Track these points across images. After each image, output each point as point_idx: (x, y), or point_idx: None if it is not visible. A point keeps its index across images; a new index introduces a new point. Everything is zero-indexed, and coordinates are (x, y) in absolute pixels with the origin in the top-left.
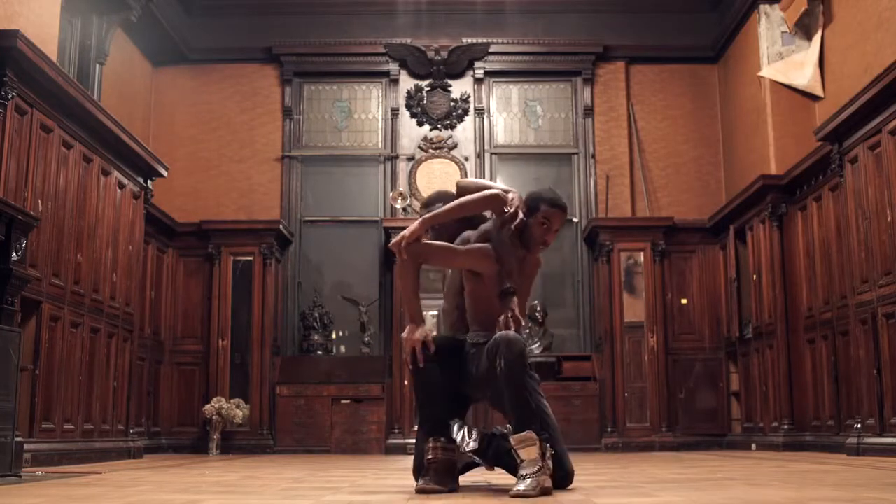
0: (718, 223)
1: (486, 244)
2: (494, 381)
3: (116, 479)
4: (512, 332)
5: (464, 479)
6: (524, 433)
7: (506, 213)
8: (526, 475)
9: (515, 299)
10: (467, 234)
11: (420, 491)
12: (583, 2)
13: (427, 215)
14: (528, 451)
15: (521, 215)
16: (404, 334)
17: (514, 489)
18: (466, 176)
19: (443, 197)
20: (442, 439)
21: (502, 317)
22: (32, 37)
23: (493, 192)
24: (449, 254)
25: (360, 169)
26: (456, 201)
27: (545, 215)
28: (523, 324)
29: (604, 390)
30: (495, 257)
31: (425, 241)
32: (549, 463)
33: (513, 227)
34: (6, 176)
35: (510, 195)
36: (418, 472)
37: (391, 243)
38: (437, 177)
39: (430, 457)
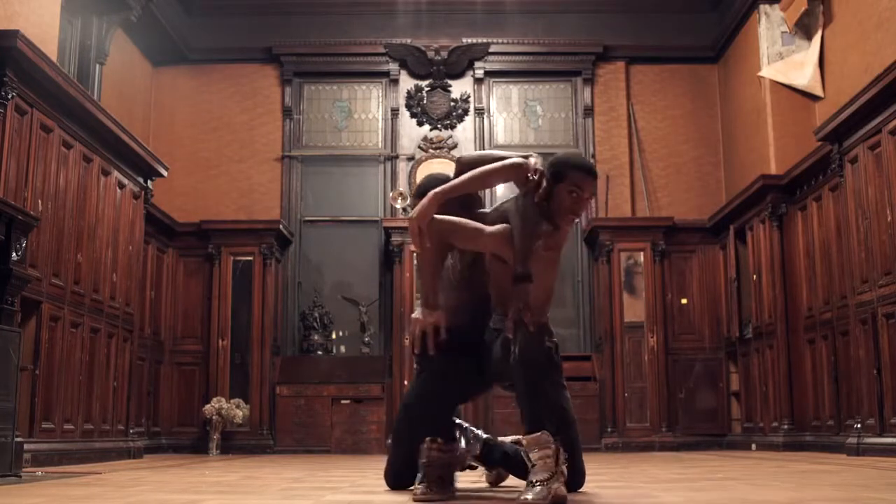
0: (718, 223)
1: (507, 226)
2: (509, 370)
3: (116, 479)
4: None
5: (462, 483)
6: (538, 434)
7: (528, 181)
8: (536, 482)
9: (530, 287)
10: (504, 207)
11: (420, 500)
12: (583, 2)
13: (438, 189)
14: (542, 453)
15: (545, 184)
16: (415, 314)
17: (522, 497)
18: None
19: (436, 181)
20: (439, 440)
21: (512, 309)
22: (32, 37)
23: (513, 160)
24: (475, 234)
25: (360, 169)
26: (473, 172)
27: (574, 181)
28: (537, 316)
29: (604, 390)
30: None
31: (446, 217)
32: (564, 469)
33: (536, 198)
34: (6, 176)
35: (531, 160)
36: (396, 477)
37: (409, 228)
38: None
39: (424, 460)
